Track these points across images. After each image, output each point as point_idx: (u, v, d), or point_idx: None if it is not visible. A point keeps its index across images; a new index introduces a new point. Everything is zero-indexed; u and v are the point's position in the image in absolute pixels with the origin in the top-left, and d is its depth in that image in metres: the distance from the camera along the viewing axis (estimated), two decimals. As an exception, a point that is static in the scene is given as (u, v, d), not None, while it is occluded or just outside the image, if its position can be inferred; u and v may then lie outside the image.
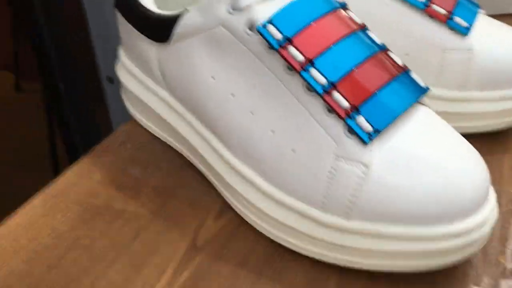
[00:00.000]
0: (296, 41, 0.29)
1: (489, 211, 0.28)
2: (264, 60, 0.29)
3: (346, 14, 0.31)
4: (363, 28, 0.31)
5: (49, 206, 0.34)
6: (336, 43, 0.29)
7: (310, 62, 0.28)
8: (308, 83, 0.28)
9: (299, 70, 0.28)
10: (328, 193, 0.28)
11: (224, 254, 0.31)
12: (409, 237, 0.27)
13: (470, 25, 0.37)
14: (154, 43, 0.34)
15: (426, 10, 0.37)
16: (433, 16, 0.37)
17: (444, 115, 0.32)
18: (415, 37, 0.37)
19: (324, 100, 0.28)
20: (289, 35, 0.29)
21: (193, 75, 0.32)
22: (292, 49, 0.28)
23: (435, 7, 0.37)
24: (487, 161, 0.29)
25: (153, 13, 0.34)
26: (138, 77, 0.38)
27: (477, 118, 0.38)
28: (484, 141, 0.36)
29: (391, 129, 0.28)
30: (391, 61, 0.30)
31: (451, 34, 0.37)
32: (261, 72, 0.30)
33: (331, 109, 0.28)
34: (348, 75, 0.28)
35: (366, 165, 0.27)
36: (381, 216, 0.27)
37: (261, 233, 0.31)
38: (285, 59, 0.29)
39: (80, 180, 0.36)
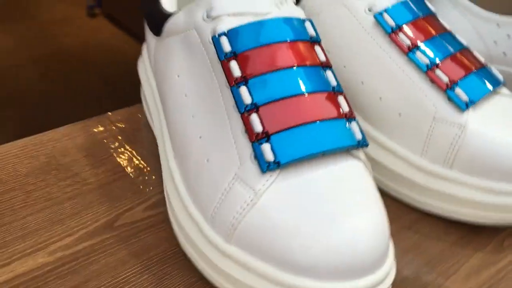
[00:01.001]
0: (240, 57, 0.29)
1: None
2: (214, 69, 0.30)
3: (310, 48, 0.30)
4: (323, 65, 0.30)
5: (25, 150, 0.38)
6: (278, 70, 0.29)
7: (245, 79, 0.28)
8: (234, 99, 0.28)
9: (231, 85, 0.29)
10: (218, 211, 0.28)
11: (130, 243, 0.32)
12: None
13: (472, 101, 0.34)
14: (154, 36, 0.37)
15: (427, 72, 0.34)
16: (433, 81, 0.34)
17: (425, 189, 0.35)
18: (410, 98, 0.35)
19: (243, 120, 0.28)
20: (237, 50, 0.29)
21: (166, 70, 0.34)
22: (233, 64, 0.29)
23: (438, 72, 0.34)
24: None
25: (159, 8, 0.37)
26: (146, 65, 0.40)
27: (459, 204, 0.35)
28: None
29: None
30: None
31: (447, 104, 0.34)
32: (209, 80, 0.30)
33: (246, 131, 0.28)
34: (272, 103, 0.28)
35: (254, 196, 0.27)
36: (258, 252, 0.26)
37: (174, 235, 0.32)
38: (225, 72, 0.29)
39: (62, 138, 0.40)
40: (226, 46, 0.29)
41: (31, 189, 0.35)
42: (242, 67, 0.29)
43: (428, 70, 0.34)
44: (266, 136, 0.27)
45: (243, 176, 0.27)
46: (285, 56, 0.29)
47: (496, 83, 0.36)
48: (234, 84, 0.29)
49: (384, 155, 0.36)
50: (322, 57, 0.30)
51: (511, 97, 0.36)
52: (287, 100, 0.28)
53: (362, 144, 0.29)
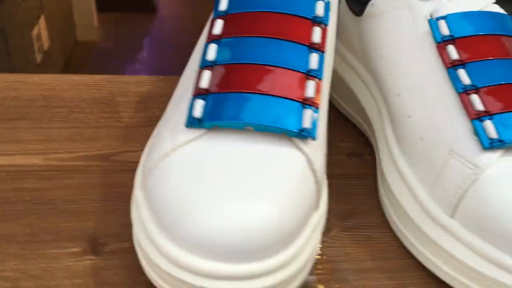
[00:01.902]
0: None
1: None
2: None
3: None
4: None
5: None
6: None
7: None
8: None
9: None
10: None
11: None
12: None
13: (503, 141, 0.26)
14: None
15: (460, 94, 0.28)
16: (464, 105, 0.28)
17: (423, 235, 0.29)
18: (435, 121, 0.29)
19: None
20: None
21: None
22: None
23: (473, 97, 0.28)
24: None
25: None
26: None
27: (452, 266, 0.28)
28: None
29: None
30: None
31: (470, 137, 0.27)
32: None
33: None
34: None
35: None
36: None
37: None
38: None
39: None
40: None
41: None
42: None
43: (463, 92, 0.28)
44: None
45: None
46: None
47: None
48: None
49: (398, 181, 0.31)
50: (317, 39, 0.28)
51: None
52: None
53: (303, 135, 0.25)
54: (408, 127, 0.30)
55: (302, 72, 0.26)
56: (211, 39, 0.28)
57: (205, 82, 0.26)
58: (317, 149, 0.26)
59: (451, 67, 0.29)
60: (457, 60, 0.29)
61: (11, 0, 1.16)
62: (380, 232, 0.31)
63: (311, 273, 0.27)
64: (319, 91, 0.26)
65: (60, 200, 0.32)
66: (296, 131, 0.25)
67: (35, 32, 1.32)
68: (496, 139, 0.26)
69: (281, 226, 0.23)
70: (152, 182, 0.25)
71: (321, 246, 0.29)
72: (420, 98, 0.30)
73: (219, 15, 0.29)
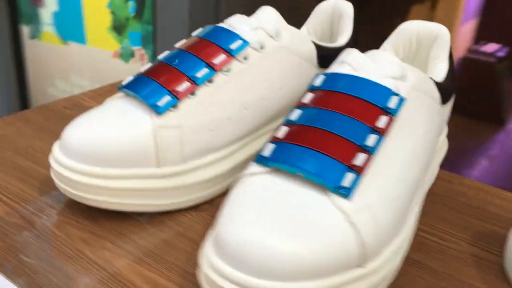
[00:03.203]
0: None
1: None
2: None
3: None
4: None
5: None
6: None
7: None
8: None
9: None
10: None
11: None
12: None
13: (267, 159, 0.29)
14: None
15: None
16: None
17: None
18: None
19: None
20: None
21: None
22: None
23: (283, 128, 0.32)
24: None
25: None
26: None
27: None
28: None
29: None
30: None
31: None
32: None
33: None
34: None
35: None
36: None
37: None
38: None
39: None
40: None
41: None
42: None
43: (283, 124, 0.35)
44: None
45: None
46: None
47: (324, 179, 0.31)
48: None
49: None
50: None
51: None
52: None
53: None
54: None
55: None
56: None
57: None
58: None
59: (296, 106, 0.36)
60: (302, 103, 0.35)
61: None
62: None
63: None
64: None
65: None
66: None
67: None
68: (263, 156, 0.33)
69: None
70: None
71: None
72: None
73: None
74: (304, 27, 0.51)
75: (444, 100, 0.41)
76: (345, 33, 0.48)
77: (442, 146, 0.45)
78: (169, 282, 0.34)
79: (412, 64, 0.46)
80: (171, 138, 0.38)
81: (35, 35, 1.16)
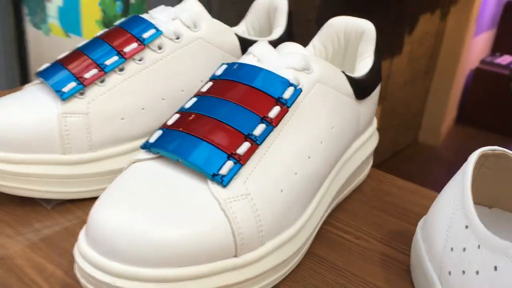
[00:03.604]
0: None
1: None
2: None
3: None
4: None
5: None
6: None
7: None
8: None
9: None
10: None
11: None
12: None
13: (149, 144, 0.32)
14: None
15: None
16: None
17: None
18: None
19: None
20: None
21: None
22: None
23: (174, 116, 0.39)
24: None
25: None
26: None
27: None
28: None
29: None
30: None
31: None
32: None
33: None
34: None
35: None
36: None
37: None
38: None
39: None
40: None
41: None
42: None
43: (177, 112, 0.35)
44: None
45: None
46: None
47: (201, 166, 0.30)
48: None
49: None
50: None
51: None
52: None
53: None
54: None
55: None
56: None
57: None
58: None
59: (194, 95, 0.35)
60: (200, 92, 0.35)
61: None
62: None
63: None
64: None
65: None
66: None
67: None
68: (149, 142, 0.33)
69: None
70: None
71: None
72: None
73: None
74: (242, 23, 0.51)
75: (361, 95, 0.40)
76: (279, 28, 0.48)
77: (368, 142, 0.44)
78: (57, 269, 0.33)
79: (343, 59, 0.46)
80: (77, 125, 0.38)
81: (40, 26, 1.20)
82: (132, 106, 0.40)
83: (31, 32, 1.23)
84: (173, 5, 0.43)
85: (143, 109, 0.40)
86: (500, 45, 2.59)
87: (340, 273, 0.36)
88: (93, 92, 0.38)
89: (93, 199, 0.40)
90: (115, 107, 0.39)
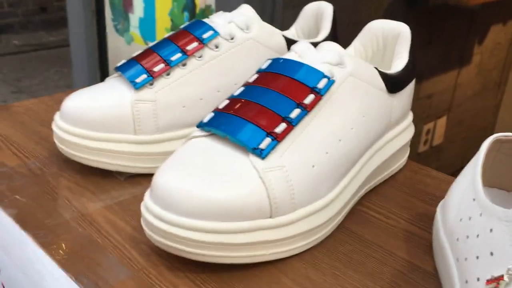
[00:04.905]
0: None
1: None
2: None
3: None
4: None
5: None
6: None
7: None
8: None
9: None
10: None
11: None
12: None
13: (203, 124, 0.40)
14: None
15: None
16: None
17: None
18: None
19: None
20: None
21: None
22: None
23: (224, 102, 0.46)
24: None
25: None
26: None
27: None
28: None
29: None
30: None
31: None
32: None
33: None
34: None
35: None
36: None
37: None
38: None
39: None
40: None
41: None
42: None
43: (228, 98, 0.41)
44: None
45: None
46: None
47: (244, 141, 0.37)
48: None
49: None
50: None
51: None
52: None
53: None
54: None
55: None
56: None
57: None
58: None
59: (242, 85, 0.42)
60: (247, 82, 0.41)
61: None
62: None
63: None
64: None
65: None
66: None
67: (427, 126, 1.55)
68: (203, 122, 0.39)
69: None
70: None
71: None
72: None
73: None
74: (293, 26, 0.57)
75: (393, 89, 0.45)
76: (324, 31, 0.53)
77: (403, 133, 0.49)
78: (127, 225, 0.41)
79: (382, 59, 0.50)
80: (146, 110, 0.45)
81: (123, 34, 1.33)
82: (192, 96, 0.47)
83: (112, 38, 1.36)
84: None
85: (201, 99, 0.47)
86: None
87: (366, 244, 0.40)
88: (160, 83, 0.46)
89: (158, 174, 0.47)
90: (177, 96, 0.46)
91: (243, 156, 0.37)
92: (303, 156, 0.38)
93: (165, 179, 0.35)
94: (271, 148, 0.37)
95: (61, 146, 0.46)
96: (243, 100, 0.39)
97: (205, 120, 0.39)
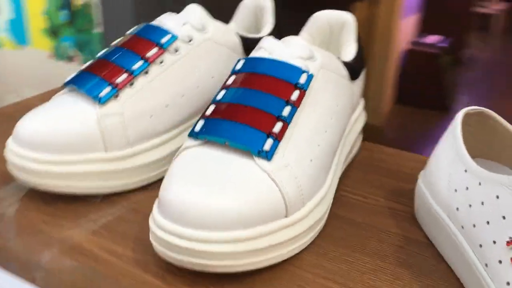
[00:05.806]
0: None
1: None
2: None
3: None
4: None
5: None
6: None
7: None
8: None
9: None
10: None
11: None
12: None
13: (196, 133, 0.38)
14: None
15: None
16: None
17: None
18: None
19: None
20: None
21: None
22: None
23: (210, 107, 0.46)
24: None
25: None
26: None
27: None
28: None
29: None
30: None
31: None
32: None
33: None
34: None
35: None
36: None
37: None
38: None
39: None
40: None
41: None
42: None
43: (212, 102, 0.41)
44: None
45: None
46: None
47: (248, 145, 0.36)
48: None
49: None
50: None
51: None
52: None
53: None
54: None
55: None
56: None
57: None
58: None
59: (221, 88, 0.41)
60: (226, 85, 0.41)
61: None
62: None
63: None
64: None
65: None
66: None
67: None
68: (195, 131, 0.38)
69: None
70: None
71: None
72: None
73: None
74: (232, 22, 0.56)
75: (353, 77, 0.47)
76: (268, 25, 0.54)
77: (360, 117, 0.51)
78: (125, 249, 0.38)
79: (328, 48, 0.52)
80: (114, 124, 0.42)
81: None
82: (158, 104, 0.45)
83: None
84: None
85: (167, 106, 0.45)
86: (428, 26, 2.79)
87: (360, 227, 0.42)
88: (126, 94, 0.43)
89: (134, 190, 0.45)
90: (144, 106, 0.44)
91: (247, 161, 0.36)
92: (301, 151, 0.38)
93: (172, 194, 0.34)
94: (274, 148, 0.37)
95: (21, 176, 0.42)
96: (231, 104, 0.39)
97: (197, 128, 0.38)
